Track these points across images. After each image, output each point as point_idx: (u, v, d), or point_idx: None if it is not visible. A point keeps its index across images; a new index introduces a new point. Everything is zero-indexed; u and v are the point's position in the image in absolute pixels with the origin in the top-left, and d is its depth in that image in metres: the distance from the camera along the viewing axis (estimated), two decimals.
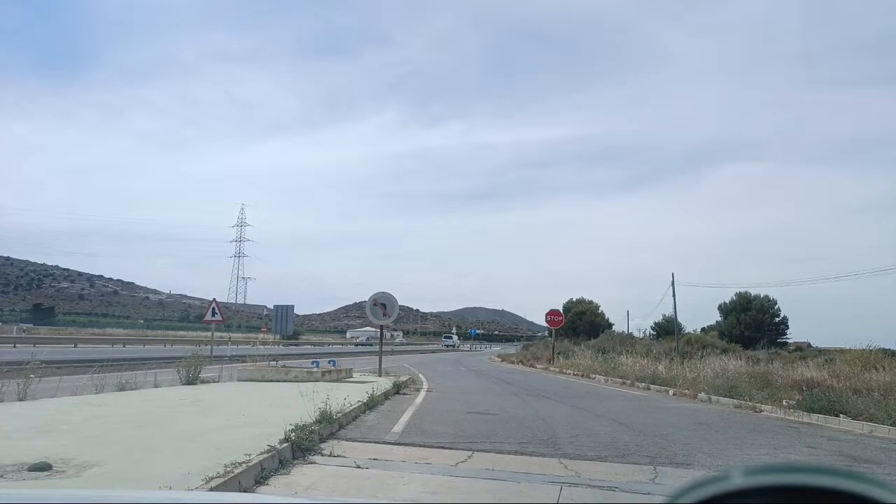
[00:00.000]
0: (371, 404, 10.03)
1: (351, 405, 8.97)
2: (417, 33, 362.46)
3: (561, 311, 34.69)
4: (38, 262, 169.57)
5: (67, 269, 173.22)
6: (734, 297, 50.55)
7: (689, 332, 41.59)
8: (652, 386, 17.53)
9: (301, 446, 5.86)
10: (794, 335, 51.97)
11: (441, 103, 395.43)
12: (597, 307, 52.57)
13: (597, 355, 27.26)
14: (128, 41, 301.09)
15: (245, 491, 4.43)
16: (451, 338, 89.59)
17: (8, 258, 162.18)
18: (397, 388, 13.49)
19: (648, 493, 5.06)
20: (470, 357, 49.30)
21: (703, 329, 48.82)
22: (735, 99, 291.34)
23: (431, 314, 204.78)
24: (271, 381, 13.60)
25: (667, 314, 44.28)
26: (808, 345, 48.17)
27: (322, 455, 5.94)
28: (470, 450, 6.61)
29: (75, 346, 32.85)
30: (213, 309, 19.04)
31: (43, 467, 4.42)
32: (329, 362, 17.64)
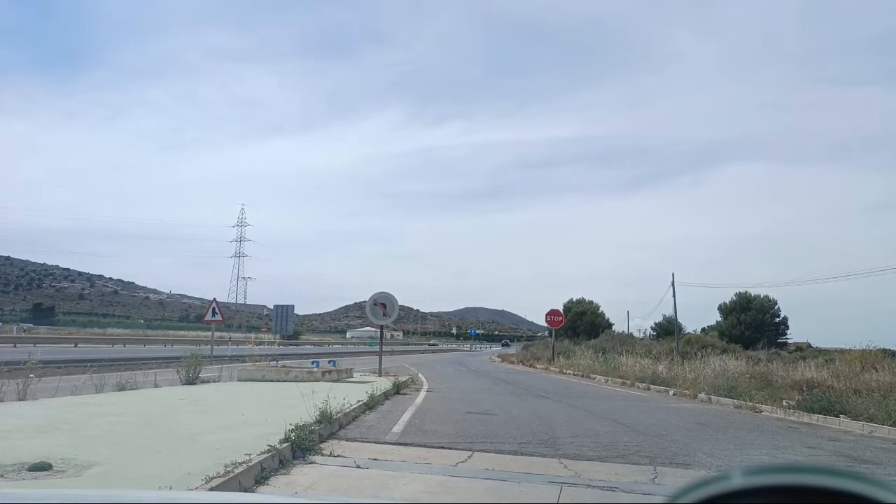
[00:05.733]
0: (371, 404, 10.03)
1: (351, 405, 8.96)
2: (420, 32, 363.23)
3: (561, 311, 34.68)
4: (39, 261, 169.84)
5: (67, 269, 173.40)
6: (734, 298, 50.52)
7: (689, 333, 41.62)
8: (652, 386, 17.52)
9: (301, 446, 5.86)
10: (794, 335, 51.97)
11: (443, 103, 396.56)
12: (597, 307, 52.56)
13: (597, 355, 27.24)
14: (129, 40, 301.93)
15: (245, 491, 4.43)
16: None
17: (8, 258, 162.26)
18: (397, 388, 13.49)
19: (648, 494, 5.05)
20: (470, 357, 49.32)
21: (703, 329, 48.88)
22: (736, 99, 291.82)
23: (431, 314, 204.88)
24: (271, 381, 13.59)
25: (667, 314, 44.35)
26: (809, 345, 48.12)
27: (322, 455, 5.93)
28: (470, 450, 6.61)
29: (75, 346, 32.87)
30: (214, 309, 19.03)
31: (43, 467, 4.41)
32: (329, 362, 17.65)
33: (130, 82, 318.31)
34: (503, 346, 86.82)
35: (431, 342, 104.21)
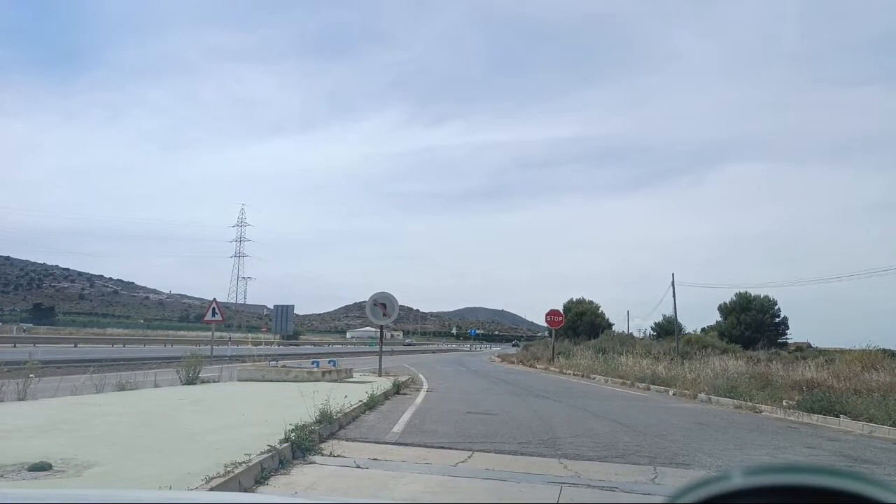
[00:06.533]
0: (371, 404, 10.03)
1: (351, 405, 8.96)
2: (420, 32, 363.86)
3: (561, 311, 34.68)
4: (38, 261, 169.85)
5: (67, 269, 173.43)
6: (734, 298, 50.51)
7: (689, 333, 41.59)
8: (652, 386, 17.52)
9: (301, 446, 5.86)
10: (795, 335, 51.97)
11: (443, 103, 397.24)
12: (597, 307, 52.58)
13: (597, 355, 27.25)
14: (129, 40, 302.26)
15: (245, 491, 4.43)
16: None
17: (8, 258, 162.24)
18: (397, 388, 13.49)
19: (648, 494, 5.05)
20: (470, 357, 49.31)
21: (703, 329, 48.84)
22: (736, 99, 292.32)
23: (431, 314, 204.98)
24: (271, 381, 13.59)
25: (667, 314, 44.31)
26: (809, 345, 48.11)
27: (322, 455, 5.93)
28: (470, 450, 6.61)
29: (75, 346, 32.86)
30: (214, 309, 19.02)
31: (43, 467, 4.41)
32: (329, 362, 17.64)
33: (130, 82, 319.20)
34: (514, 346, 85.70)
35: (407, 341, 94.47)
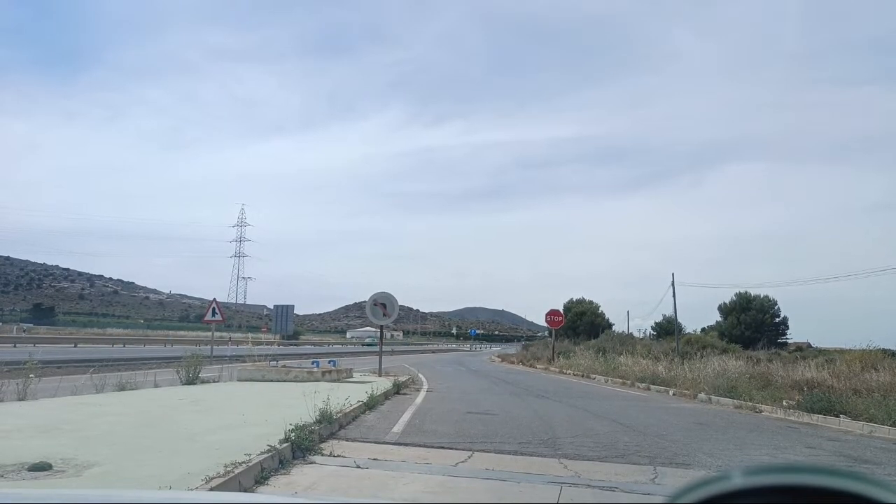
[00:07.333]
0: (371, 404, 10.03)
1: (351, 405, 8.96)
2: (420, 32, 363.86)
3: (561, 311, 34.68)
4: (38, 261, 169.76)
5: (67, 269, 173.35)
6: (734, 298, 50.50)
7: (689, 333, 41.56)
8: (652, 386, 17.52)
9: (301, 446, 5.86)
10: (794, 335, 51.94)
11: (443, 103, 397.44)
12: (597, 307, 52.58)
13: (597, 355, 27.24)
14: (129, 40, 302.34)
15: (245, 491, 4.43)
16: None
17: (8, 258, 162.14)
18: (397, 388, 13.49)
19: (648, 494, 5.05)
20: (470, 357, 49.31)
21: (703, 329, 48.82)
22: (736, 99, 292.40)
23: (431, 314, 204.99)
24: (271, 381, 13.59)
25: (667, 314, 44.30)
26: (809, 345, 48.06)
27: (322, 455, 5.93)
28: (470, 450, 6.61)
29: (75, 346, 32.85)
30: (214, 309, 19.01)
31: (43, 467, 4.41)
32: (329, 362, 17.64)
33: (130, 82, 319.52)
34: (523, 346, 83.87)
35: (367, 340, 75.35)
